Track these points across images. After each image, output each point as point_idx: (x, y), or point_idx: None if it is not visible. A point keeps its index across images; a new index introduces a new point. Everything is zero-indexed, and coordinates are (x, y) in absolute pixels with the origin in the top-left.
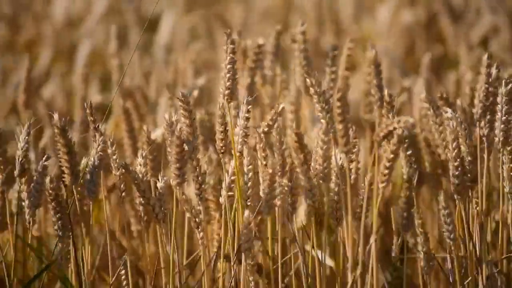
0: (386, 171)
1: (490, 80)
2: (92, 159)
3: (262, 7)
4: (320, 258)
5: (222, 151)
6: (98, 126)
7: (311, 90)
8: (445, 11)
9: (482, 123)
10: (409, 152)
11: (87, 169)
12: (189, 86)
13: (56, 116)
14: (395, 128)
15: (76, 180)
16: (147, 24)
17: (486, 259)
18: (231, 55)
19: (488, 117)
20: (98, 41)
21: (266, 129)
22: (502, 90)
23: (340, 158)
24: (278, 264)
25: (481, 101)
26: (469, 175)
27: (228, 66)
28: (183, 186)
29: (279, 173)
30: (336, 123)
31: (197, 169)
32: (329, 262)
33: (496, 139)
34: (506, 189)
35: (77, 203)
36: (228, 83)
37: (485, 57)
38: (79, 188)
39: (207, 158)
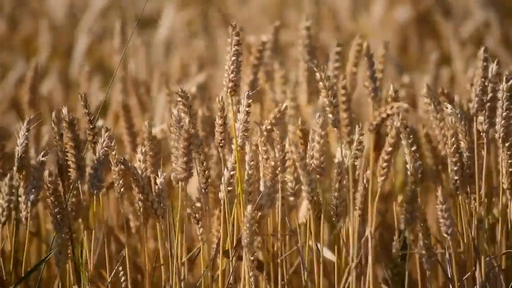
0: (385, 164)
1: (486, 74)
2: (97, 154)
3: (260, 3)
4: (320, 252)
5: (221, 144)
6: (92, 119)
7: (320, 84)
8: (438, 7)
9: (481, 118)
10: (413, 148)
11: (92, 164)
12: (188, 82)
13: (65, 110)
14: (388, 115)
15: (81, 175)
16: (145, 21)
17: (485, 255)
18: (235, 47)
19: (487, 112)
20: (96, 36)
21: (269, 127)
22: (503, 86)
23: (342, 152)
24: (279, 260)
25: (478, 95)
26: (468, 170)
27: (233, 58)
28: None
29: (279, 168)
30: (340, 111)
31: (204, 164)
32: (330, 255)
33: (496, 134)
34: (505, 185)
35: (82, 197)
36: (231, 76)
37: (481, 51)
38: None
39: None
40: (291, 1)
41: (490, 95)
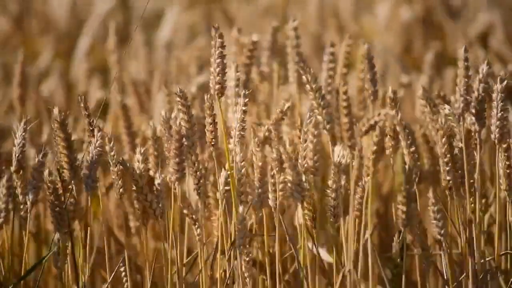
0: (370, 164)
1: (468, 74)
2: (90, 154)
3: (264, 3)
4: (317, 253)
5: (212, 143)
6: (92, 121)
7: (307, 86)
8: (443, 8)
9: (473, 119)
10: (412, 149)
11: (85, 164)
12: (189, 82)
13: (56, 110)
14: (376, 122)
15: (75, 175)
16: (148, 21)
17: (482, 256)
18: (219, 49)
19: (478, 113)
20: (98, 37)
21: (270, 127)
22: (498, 87)
23: (339, 155)
24: (277, 261)
25: (462, 95)
26: (460, 171)
27: (217, 61)
28: (182, 182)
29: (276, 168)
30: (341, 116)
31: (196, 164)
32: (327, 257)
33: (492, 135)
34: (503, 187)
35: (75, 198)
36: (218, 78)
37: (461, 50)
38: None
39: (207, 154)
40: (295, 1)
41: (481, 95)
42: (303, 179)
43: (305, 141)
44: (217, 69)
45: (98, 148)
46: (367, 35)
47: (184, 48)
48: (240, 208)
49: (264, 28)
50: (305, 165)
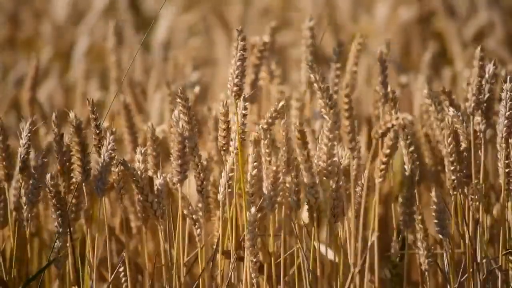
0: (383, 166)
1: (483, 73)
2: (102, 157)
3: (261, 4)
4: (323, 252)
5: (224, 148)
6: (99, 124)
7: (315, 85)
8: (442, 8)
9: (478, 119)
10: (411, 149)
11: (97, 168)
12: (185, 82)
13: (72, 114)
14: (393, 125)
15: (87, 178)
16: (145, 21)
17: (484, 255)
18: (241, 51)
19: (484, 112)
20: (96, 38)
21: (265, 126)
22: (507, 85)
23: (343, 156)
24: (279, 260)
25: (474, 94)
26: (465, 170)
27: (238, 63)
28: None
29: (283, 170)
30: (343, 119)
31: (199, 166)
32: (331, 255)
33: (499, 134)
34: (503, 185)
35: (86, 199)
36: (236, 80)
37: (477, 50)
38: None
39: (207, 155)
40: (292, 2)
41: (487, 95)
42: (317, 181)
43: (320, 142)
44: (237, 71)
45: (110, 151)
46: (365, 35)
47: (180, 49)
48: (252, 209)
49: (261, 29)
50: (319, 167)
